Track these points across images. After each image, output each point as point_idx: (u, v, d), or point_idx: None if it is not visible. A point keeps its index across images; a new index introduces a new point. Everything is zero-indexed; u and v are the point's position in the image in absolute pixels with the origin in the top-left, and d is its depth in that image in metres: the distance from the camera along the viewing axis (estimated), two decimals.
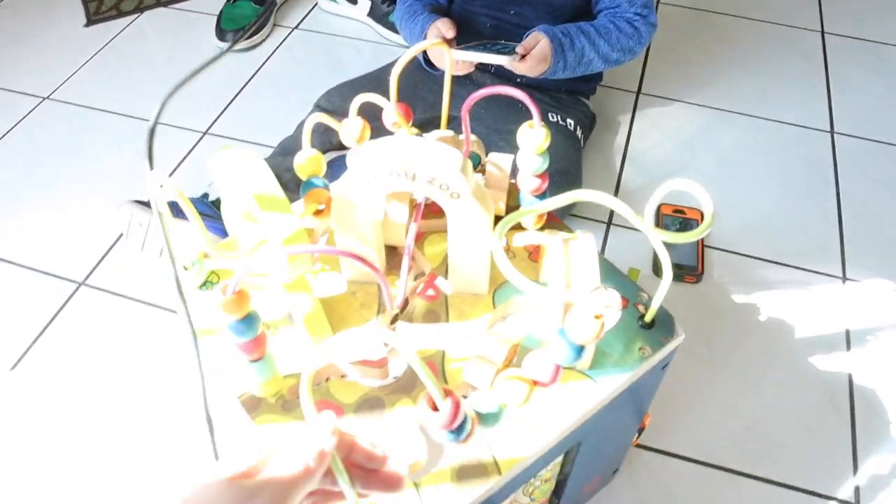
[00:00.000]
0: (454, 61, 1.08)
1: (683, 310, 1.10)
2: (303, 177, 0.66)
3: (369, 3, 1.63)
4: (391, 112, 0.67)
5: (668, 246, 0.55)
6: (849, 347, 1.07)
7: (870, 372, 1.04)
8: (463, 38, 1.13)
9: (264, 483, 0.38)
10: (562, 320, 0.56)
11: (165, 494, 0.91)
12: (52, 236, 1.21)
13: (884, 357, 1.06)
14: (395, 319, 0.65)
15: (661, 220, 1.20)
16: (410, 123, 0.69)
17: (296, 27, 1.68)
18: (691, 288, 1.13)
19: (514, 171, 0.70)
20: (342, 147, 1.22)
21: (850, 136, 1.41)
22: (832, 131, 1.42)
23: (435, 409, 0.43)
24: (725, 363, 1.05)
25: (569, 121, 1.20)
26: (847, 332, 1.08)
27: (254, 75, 1.53)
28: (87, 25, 1.69)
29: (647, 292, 0.67)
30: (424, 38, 1.13)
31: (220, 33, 1.60)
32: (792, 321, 1.09)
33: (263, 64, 1.57)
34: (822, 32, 1.67)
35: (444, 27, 1.11)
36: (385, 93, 0.68)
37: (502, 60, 1.05)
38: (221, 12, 1.64)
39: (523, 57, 1.07)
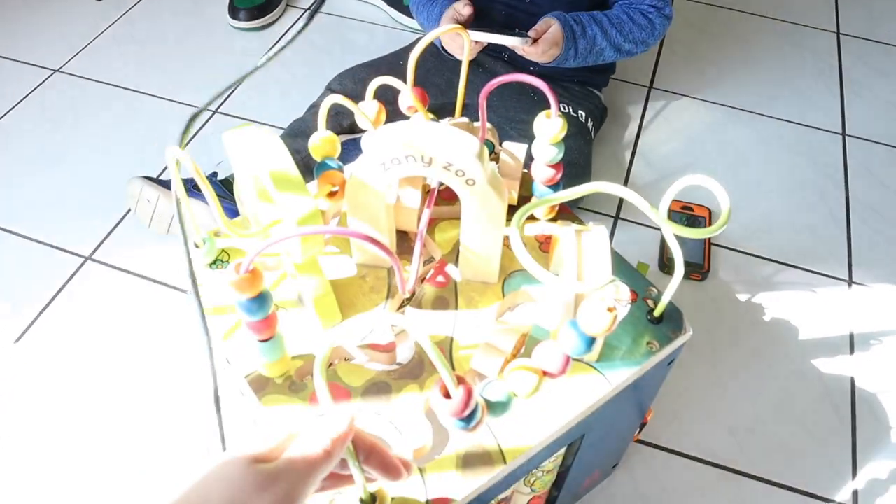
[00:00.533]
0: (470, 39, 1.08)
1: (689, 307, 1.10)
2: (317, 158, 0.66)
3: None
4: (408, 96, 0.67)
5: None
6: (852, 351, 1.07)
7: (872, 376, 1.04)
8: (476, 26, 1.12)
9: (285, 467, 0.38)
10: (573, 312, 0.56)
11: (177, 472, 0.91)
12: (60, 209, 1.21)
13: (886, 362, 1.06)
14: (403, 305, 0.65)
15: (669, 216, 1.20)
16: (426, 108, 0.69)
17: (309, 8, 1.67)
18: (697, 285, 1.13)
19: (528, 161, 0.70)
20: (353, 130, 1.22)
21: (861, 139, 1.40)
22: (844, 133, 1.41)
23: (447, 396, 0.43)
24: (728, 362, 1.05)
25: (580, 112, 1.20)
26: (851, 336, 1.08)
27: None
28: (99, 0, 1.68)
29: (657, 287, 0.67)
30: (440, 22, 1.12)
31: (233, 11, 1.59)
32: (796, 322, 1.09)
33: (275, 44, 1.56)
34: (838, 33, 1.66)
35: (460, 6, 1.10)
36: (398, 77, 0.67)
37: (514, 41, 1.05)
38: None
39: (535, 41, 1.06)
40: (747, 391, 1.02)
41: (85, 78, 1.46)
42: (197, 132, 1.35)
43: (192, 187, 1.07)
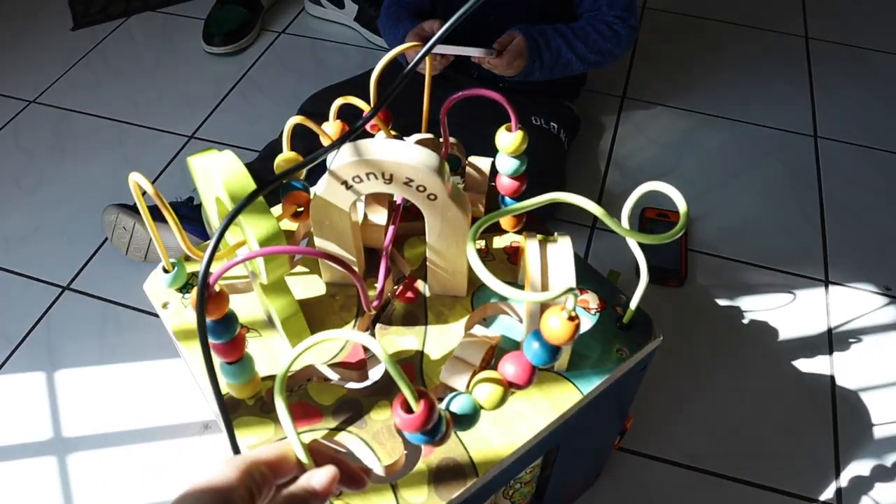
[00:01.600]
0: (431, 56, 1.09)
1: (667, 313, 1.11)
2: None
3: (356, 7, 1.63)
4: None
5: (651, 249, 0.55)
6: (831, 350, 1.07)
7: (851, 374, 1.04)
8: (442, 42, 1.13)
9: None
10: (538, 322, 0.57)
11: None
12: (36, 240, 1.21)
13: (865, 359, 1.06)
14: (374, 321, 0.65)
15: (646, 224, 1.21)
16: (390, 126, 0.70)
17: (283, 31, 1.68)
18: (675, 291, 1.14)
19: (495, 174, 0.70)
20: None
21: (832, 140, 1.42)
22: (815, 135, 1.43)
23: (408, 411, 0.43)
24: (709, 366, 1.05)
25: (552, 124, 1.21)
26: (829, 335, 1.09)
27: (240, 79, 1.53)
28: (73, 29, 1.68)
29: (626, 294, 0.68)
30: (406, 40, 1.13)
31: (208, 37, 1.60)
32: (775, 324, 1.10)
33: (250, 68, 1.57)
34: (806, 38, 1.68)
35: (427, 24, 1.11)
36: (371, 97, 0.68)
37: (478, 52, 1.06)
38: (209, 16, 1.64)
39: (499, 53, 1.07)
40: (728, 395, 1.02)
41: (60, 108, 1.46)
42: (174, 157, 1.35)
43: (161, 214, 1.07)
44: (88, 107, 1.47)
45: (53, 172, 1.33)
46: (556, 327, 0.47)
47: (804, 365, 1.05)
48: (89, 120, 1.44)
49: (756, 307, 1.12)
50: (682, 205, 0.52)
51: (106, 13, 1.73)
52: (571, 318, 0.47)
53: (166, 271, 0.68)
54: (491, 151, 1.14)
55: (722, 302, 1.13)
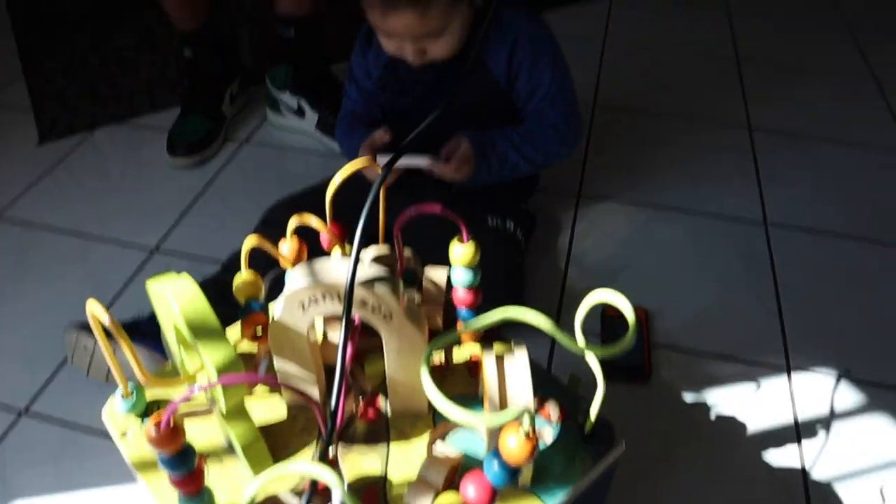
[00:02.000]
0: (380, 168, 1.12)
1: (633, 412, 1.10)
2: (241, 300, 0.67)
3: (317, 116, 1.68)
4: (325, 234, 0.69)
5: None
6: (799, 439, 1.08)
7: (822, 463, 1.04)
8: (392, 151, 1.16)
9: None
10: (497, 438, 0.57)
11: None
12: None
13: (834, 446, 1.07)
14: (335, 444, 0.64)
15: (607, 323, 1.22)
16: (346, 241, 0.71)
17: (245, 141, 1.71)
18: (641, 390, 1.14)
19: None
20: None
21: (783, 225, 1.47)
22: (765, 223, 1.48)
23: None
24: (678, 464, 1.04)
25: (508, 223, 1.23)
26: (796, 424, 1.10)
27: (204, 189, 1.55)
28: (39, 144, 1.70)
29: (589, 399, 0.68)
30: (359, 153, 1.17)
31: (171, 149, 1.62)
32: (742, 417, 1.10)
33: (213, 178, 1.59)
34: (749, 128, 1.76)
35: (380, 134, 1.14)
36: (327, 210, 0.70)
37: (425, 162, 1.09)
38: (172, 128, 1.67)
39: (447, 160, 1.10)
40: (700, 493, 1.01)
41: (24, 224, 1.46)
42: (137, 271, 1.35)
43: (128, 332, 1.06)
44: (53, 221, 1.47)
45: (14, 291, 1.32)
46: (513, 447, 0.47)
47: (774, 457, 1.05)
48: (53, 236, 1.44)
49: (721, 400, 1.13)
50: (629, 315, 0.53)
51: (72, 127, 1.76)
52: (528, 437, 0.47)
53: (124, 398, 0.67)
54: (443, 254, 1.17)
55: (688, 398, 1.13)
